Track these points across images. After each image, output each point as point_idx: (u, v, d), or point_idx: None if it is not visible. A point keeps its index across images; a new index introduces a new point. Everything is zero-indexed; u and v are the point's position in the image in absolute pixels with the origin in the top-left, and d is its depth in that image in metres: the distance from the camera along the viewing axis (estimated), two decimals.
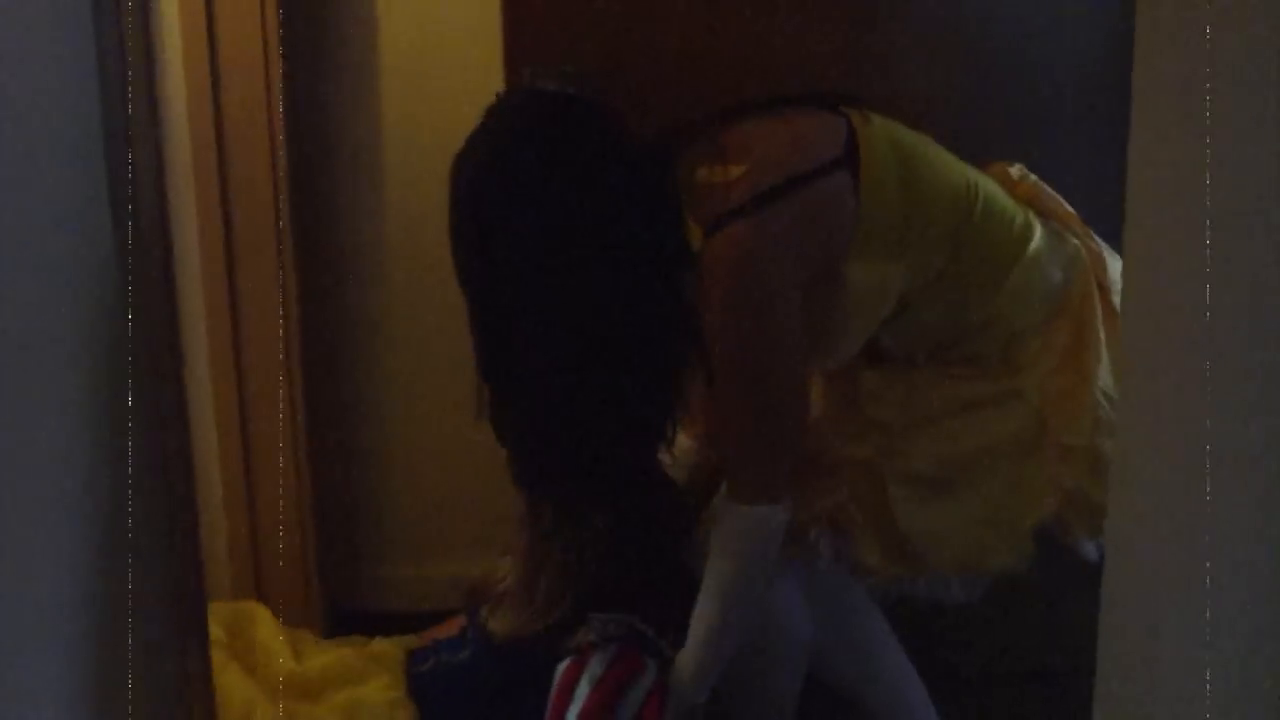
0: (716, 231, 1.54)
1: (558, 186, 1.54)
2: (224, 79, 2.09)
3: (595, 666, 1.65)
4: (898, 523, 1.64)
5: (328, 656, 1.99)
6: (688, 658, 1.65)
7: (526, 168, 1.54)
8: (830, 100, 1.65)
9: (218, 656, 1.85)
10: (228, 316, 2.17)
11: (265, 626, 2.06)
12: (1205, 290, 0.79)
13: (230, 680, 1.85)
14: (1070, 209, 1.80)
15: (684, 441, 1.87)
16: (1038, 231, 1.71)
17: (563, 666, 1.68)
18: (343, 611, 2.38)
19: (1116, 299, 1.74)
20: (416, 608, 2.26)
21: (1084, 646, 1.02)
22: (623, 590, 1.77)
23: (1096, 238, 1.78)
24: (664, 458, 1.76)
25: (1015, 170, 1.82)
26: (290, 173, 2.16)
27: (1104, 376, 1.68)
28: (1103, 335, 1.71)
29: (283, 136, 2.13)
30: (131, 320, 1.18)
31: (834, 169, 1.57)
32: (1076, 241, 1.75)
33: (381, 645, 2.01)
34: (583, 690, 1.64)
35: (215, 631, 1.92)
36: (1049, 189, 1.81)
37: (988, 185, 1.70)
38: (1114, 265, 1.77)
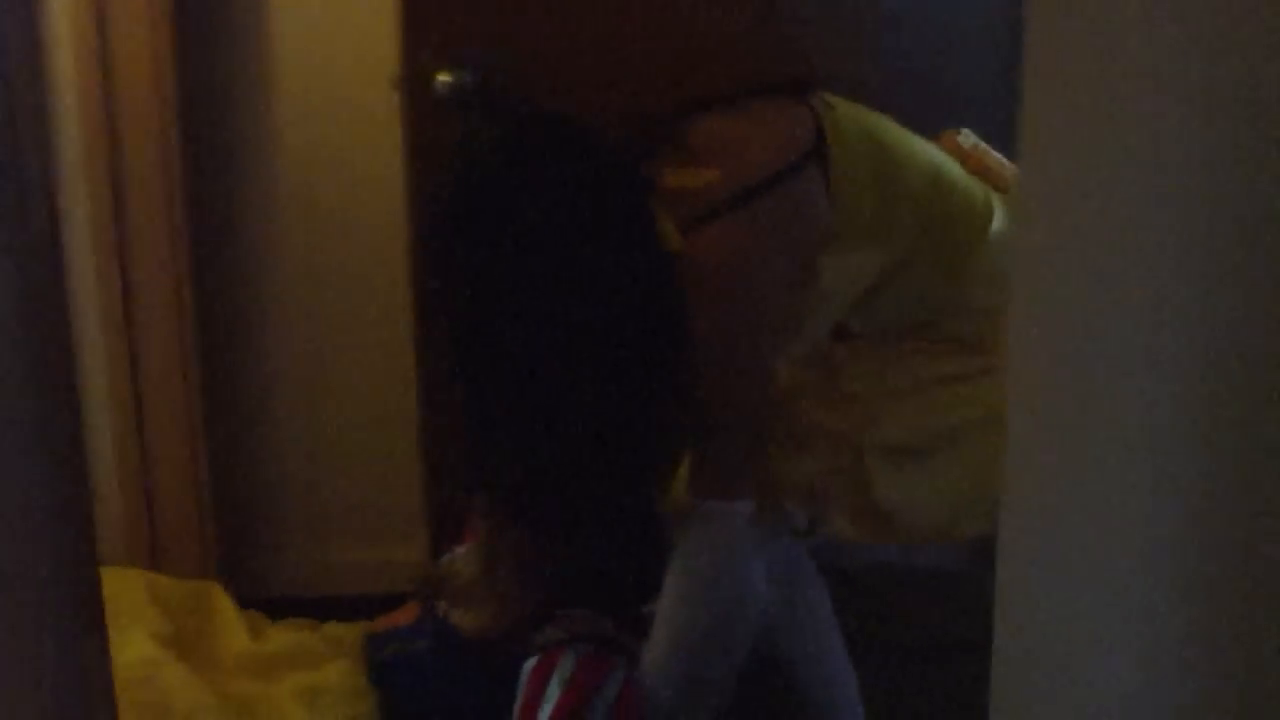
0: (694, 233, 1.53)
1: (534, 201, 1.52)
2: (116, 69, 2.09)
3: (565, 666, 1.62)
4: (873, 491, 1.64)
5: (285, 637, 1.97)
6: (653, 656, 1.62)
7: (504, 184, 1.53)
8: (790, 88, 1.62)
9: (162, 653, 1.83)
10: (120, 305, 2.16)
11: (221, 605, 2.03)
12: (1093, 278, 0.82)
13: (172, 679, 1.81)
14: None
15: None
16: (998, 211, 1.70)
17: (530, 665, 1.64)
18: (241, 599, 2.38)
19: None
20: (315, 593, 2.27)
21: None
22: (585, 586, 1.75)
23: None
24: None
25: (964, 138, 1.80)
26: (184, 161, 2.15)
27: None
28: None
29: (175, 128, 2.13)
30: (19, 308, 1.18)
31: (807, 162, 1.55)
32: None
33: (338, 629, 2.00)
34: (554, 691, 1.61)
35: (161, 622, 1.90)
36: (996, 154, 1.79)
37: (949, 165, 1.69)
38: None
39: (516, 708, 1.63)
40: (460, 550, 1.94)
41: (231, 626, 1.99)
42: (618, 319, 1.54)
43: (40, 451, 1.26)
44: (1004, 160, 1.81)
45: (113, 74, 2.08)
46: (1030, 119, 0.86)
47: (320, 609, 2.14)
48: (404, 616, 1.99)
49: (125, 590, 1.95)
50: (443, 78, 2.05)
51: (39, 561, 1.22)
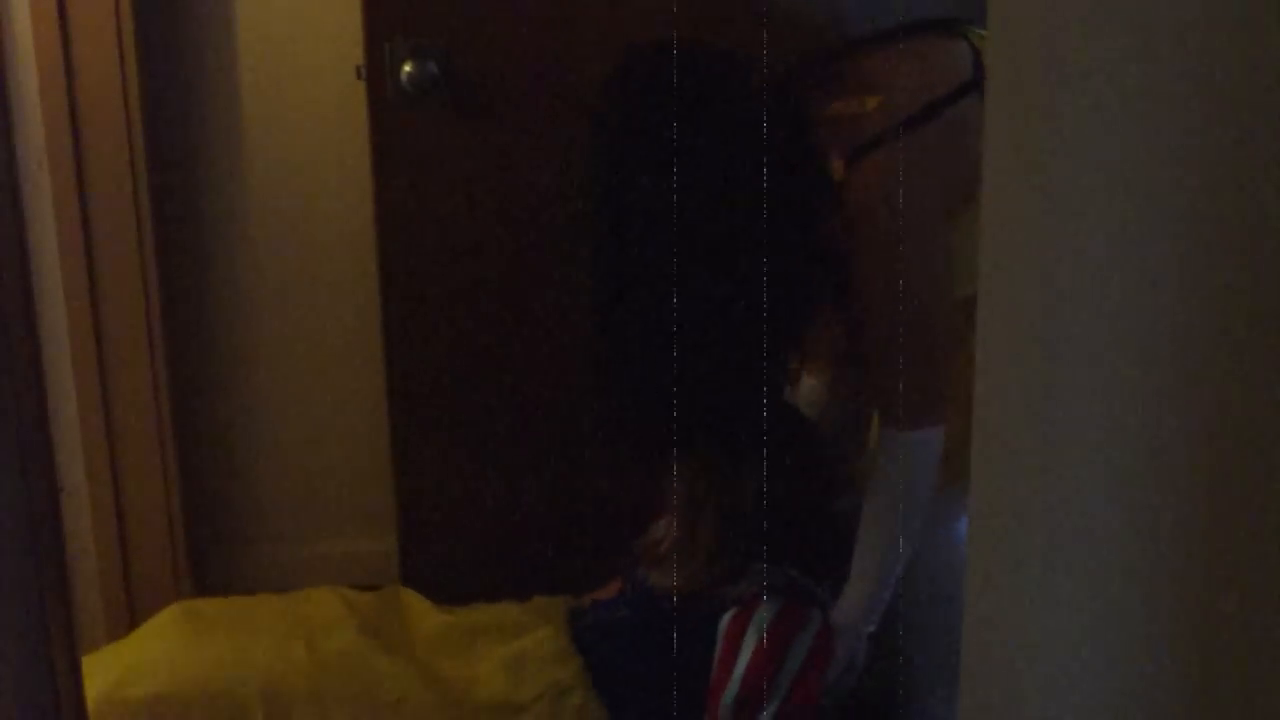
0: (856, 162, 1.57)
1: (694, 133, 1.54)
2: (79, 64, 2.07)
3: (761, 618, 1.67)
4: None
5: (486, 612, 1.97)
6: (855, 591, 1.67)
7: (663, 116, 1.54)
8: (948, 25, 1.66)
9: (367, 643, 1.84)
10: (87, 299, 2.15)
11: (412, 600, 2.02)
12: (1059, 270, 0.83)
13: (378, 665, 1.81)
14: None
15: (811, 384, 1.89)
16: None
17: (728, 617, 1.70)
18: (212, 593, 2.38)
19: None
20: (286, 586, 2.27)
21: None
22: (779, 541, 1.77)
23: None
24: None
25: None
26: (149, 153, 2.14)
27: None
28: None
29: (140, 119, 2.12)
30: None
31: (967, 92, 1.58)
32: None
33: (541, 601, 2.00)
34: (750, 640, 1.66)
35: (358, 622, 1.90)
36: None
37: None
38: None
39: (715, 658, 1.68)
40: (657, 525, 1.98)
41: (428, 614, 1.98)
42: (782, 248, 1.57)
43: (6, 451, 1.26)
44: None
45: (75, 69, 2.07)
46: (994, 121, 0.87)
47: None
48: (607, 591, 2.01)
49: (321, 606, 1.96)
50: (408, 68, 2.05)
51: (3, 563, 1.21)
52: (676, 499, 1.87)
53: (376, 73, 2.07)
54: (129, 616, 2.23)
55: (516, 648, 1.86)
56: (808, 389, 1.89)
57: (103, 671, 1.75)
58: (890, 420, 1.65)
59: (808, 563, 1.77)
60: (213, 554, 2.45)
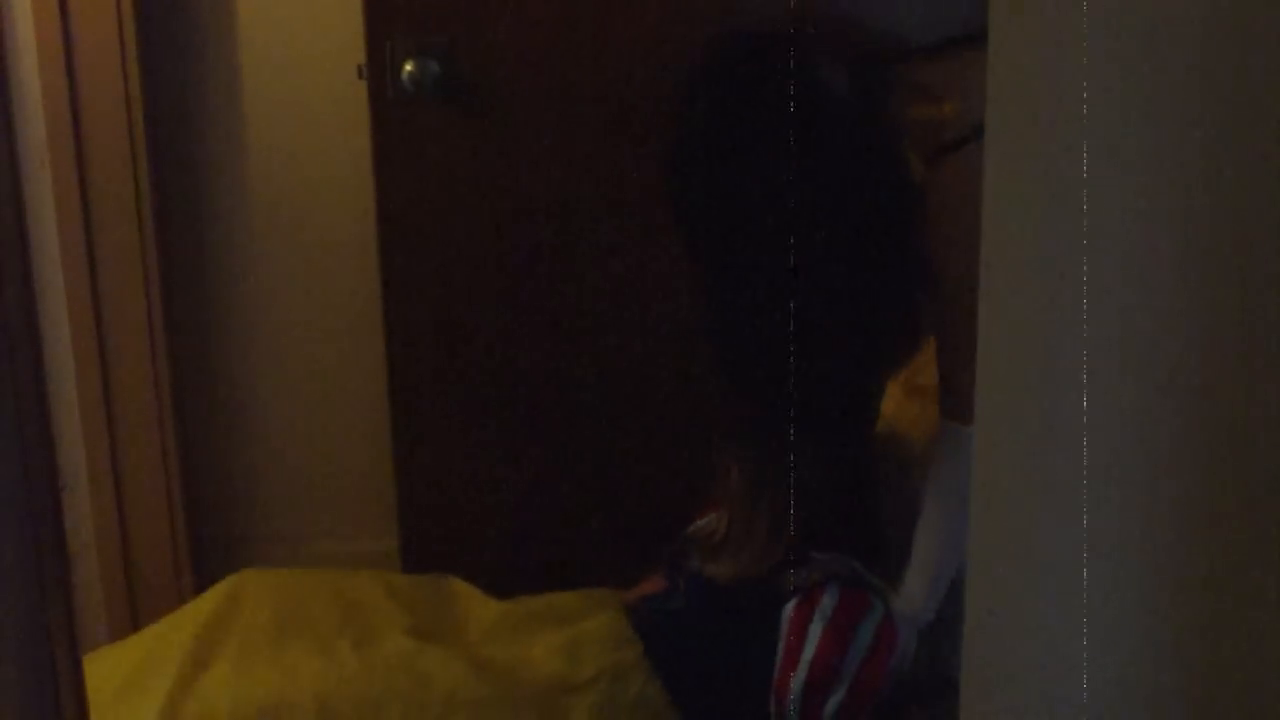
0: (940, 160, 1.60)
1: (786, 129, 1.57)
2: (80, 66, 2.08)
3: (826, 606, 1.68)
4: None
5: (540, 600, 1.95)
6: (914, 581, 1.69)
7: (754, 111, 1.60)
8: None
9: (414, 642, 1.82)
10: (89, 299, 2.15)
11: (459, 588, 2.01)
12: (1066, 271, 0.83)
13: (427, 662, 1.80)
14: None
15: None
16: None
17: (791, 607, 1.71)
18: None
19: None
20: None
21: None
22: (837, 529, 1.79)
23: None
24: None
25: None
26: (150, 150, 2.15)
27: None
28: None
29: (142, 121, 2.12)
30: None
31: None
32: None
33: (596, 592, 1.98)
34: (815, 630, 1.67)
35: (402, 615, 1.89)
36: None
37: None
38: None
39: (780, 649, 1.69)
40: (700, 522, 1.98)
41: (477, 602, 1.96)
42: (865, 247, 1.62)
43: (7, 448, 1.26)
44: None
45: (77, 67, 2.07)
46: (994, 121, 0.87)
47: None
48: (651, 586, 2.00)
49: (366, 593, 1.95)
50: (409, 67, 2.05)
51: (4, 560, 1.22)
52: (732, 487, 1.88)
53: (378, 72, 2.07)
54: (130, 614, 2.23)
55: (574, 631, 1.85)
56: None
57: (147, 683, 1.76)
58: (955, 413, 1.67)
59: (861, 552, 1.78)
60: (213, 553, 2.45)
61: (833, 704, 1.66)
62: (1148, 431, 0.78)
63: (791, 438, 1.78)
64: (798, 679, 1.67)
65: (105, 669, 1.78)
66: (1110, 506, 0.82)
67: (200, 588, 2.31)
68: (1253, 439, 0.73)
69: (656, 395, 2.22)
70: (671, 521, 2.05)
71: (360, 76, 2.11)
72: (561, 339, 2.18)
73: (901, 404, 1.80)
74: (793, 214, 1.59)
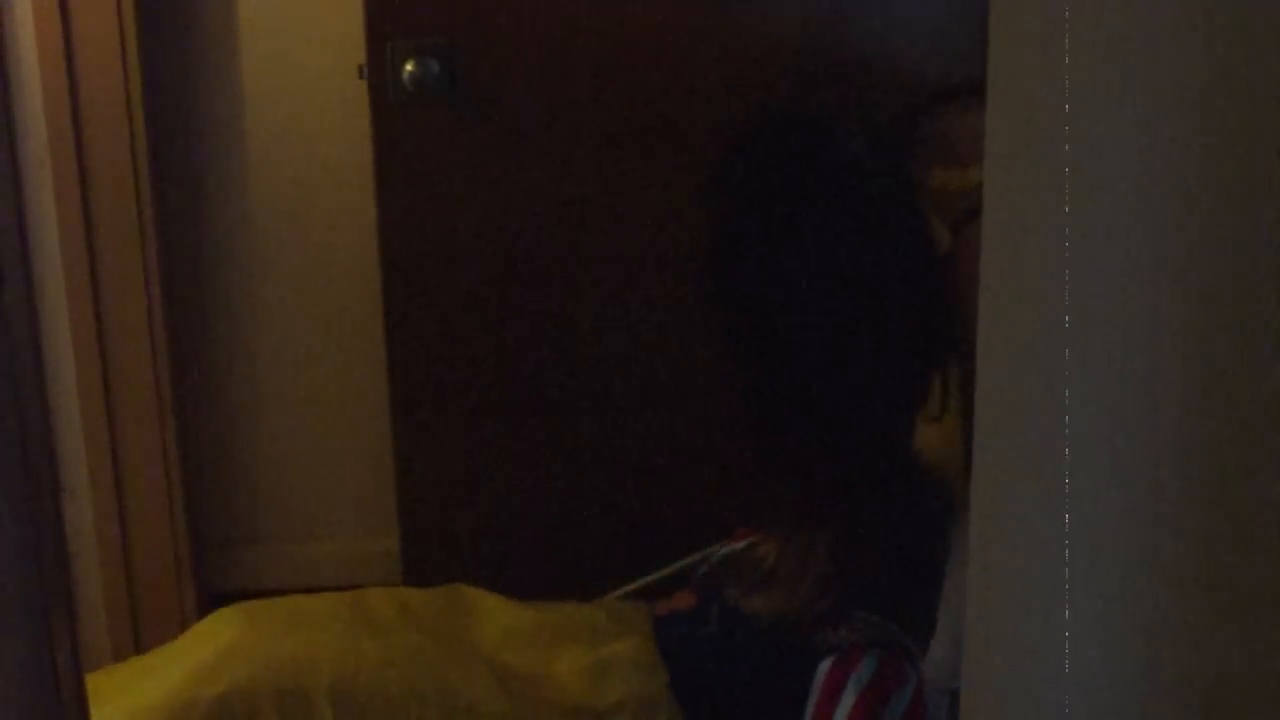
0: (964, 231, 1.57)
1: (806, 205, 1.58)
2: (80, 62, 2.08)
3: (864, 672, 1.63)
4: None
5: (565, 610, 1.90)
6: (941, 646, 1.63)
7: (779, 187, 1.60)
8: None
9: (431, 643, 1.80)
10: (89, 297, 2.15)
11: (475, 596, 1.95)
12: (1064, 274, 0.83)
13: (450, 669, 1.76)
14: None
15: (925, 431, 1.89)
16: None
17: (826, 666, 1.65)
18: (213, 593, 2.38)
19: None
20: (287, 586, 2.27)
21: None
22: (882, 587, 1.75)
23: None
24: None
25: None
26: (151, 151, 2.14)
27: None
28: None
29: (142, 115, 2.12)
30: None
31: None
32: None
33: (619, 605, 1.95)
34: (849, 695, 1.62)
35: (417, 627, 1.85)
36: None
37: None
38: None
39: (811, 705, 1.64)
40: (739, 544, 1.95)
41: (499, 609, 1.90)
42: (891, 319, 1.61)
43: (6, 448, 1.26)
44: None
45: (78, 68, 2.07)
46: (995, 120, 0.87)
47: None
48: (682, 601, 1.97)
49: (378, 608, 1.90)
50: (410, 68, 2.05)
51: (4, 561, 1.21)
52: (785, 519, 1.85)
53: (378, 72, 2.07)
54: (131, 616, 2.23)
55: (602, 652, 1.80)
56: (922, 435, 1.88)
57: (160, 672, 1.74)
58: None
59: (899, 611, 1.73)
60: (214, 554, 2.45)
61: None
62: (1151, 435, 0.78)
63: (851, 489, 1.77)
64: None
65: (108, 680, 1.76)
66: (1114, 512, 0.82)
67: (200, 588, 2.31)
68: (1261, 442, 0.73)
69: (657, 396, 2.22)
70: (671, 522, 2.05)
71: (361, 77, 2.11)
72: (561, 339, 2.18)
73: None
74: (830, 293, 1.60)
